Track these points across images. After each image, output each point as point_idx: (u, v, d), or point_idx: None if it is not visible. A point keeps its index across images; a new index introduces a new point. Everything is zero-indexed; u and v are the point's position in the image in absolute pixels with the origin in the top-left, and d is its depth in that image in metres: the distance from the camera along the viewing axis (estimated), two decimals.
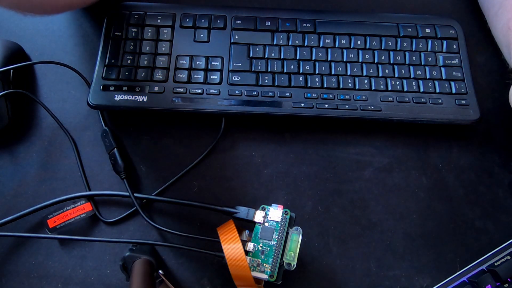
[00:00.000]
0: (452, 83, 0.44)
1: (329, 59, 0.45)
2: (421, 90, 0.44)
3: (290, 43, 0.45)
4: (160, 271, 0.37)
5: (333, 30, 0.46)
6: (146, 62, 0.43)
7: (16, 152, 0.42)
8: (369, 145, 0.44)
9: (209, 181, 0.42)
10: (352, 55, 0.45)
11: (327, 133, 0.44)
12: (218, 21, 0.46)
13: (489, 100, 0.47)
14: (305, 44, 0.45)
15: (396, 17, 0.48)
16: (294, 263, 0.33)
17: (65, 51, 0.47)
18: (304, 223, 0.40)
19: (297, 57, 0.45)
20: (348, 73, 0.44)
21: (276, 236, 0.34)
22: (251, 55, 0.45)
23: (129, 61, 0.43)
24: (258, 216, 0.35)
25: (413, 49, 0.46)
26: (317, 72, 0.44)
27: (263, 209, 0.35)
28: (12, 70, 0.43)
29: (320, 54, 0.45)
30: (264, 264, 0.33)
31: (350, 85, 0.44)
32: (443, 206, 0.42)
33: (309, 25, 0.46)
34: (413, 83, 0.44)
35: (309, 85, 0.43)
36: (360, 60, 0.45)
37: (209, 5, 0.47)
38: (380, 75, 0.44)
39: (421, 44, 0.46)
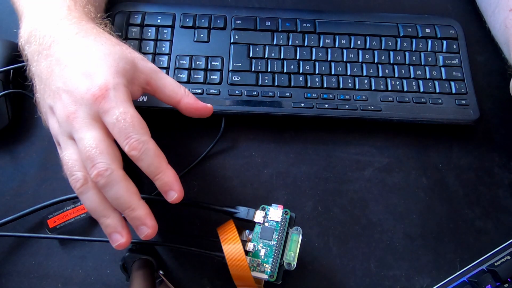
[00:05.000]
0: (452, 83, 0.45)
1: (329, 59, 0.45)
2: (421, 90, 0.44)
3: (290, 43, 0.45)
4: (160, 271, 0.37)
5: (333, 30, 0.46)
6: None
7: (16, 152, 0.42)
8: (369, 145, 0.44)
9: (209, 181, 0.42)
10: (352, 55, 0.45)
11: (327, 133, 0.44)
12: (218, 21, 0.46)
13: (489, 100, 0.47)
14: (305, 44, 0.45)
15: (396, 17, 0.48)
16: (294, 263, 0.33)
17: None
18: (304, 223, 0.40)
19: (297, 57, 0.45)
20: (348, 73, 0.44)
21: (276, 236, 0.34)
22: (251, 55, 0.45)
23: None
24: (258, 216, 0.35)
25: (413, 49, 0.46)
26: (317, 72, 0.44)
27: (263, 209, 0.35)
28: (12, 70, 0.43)
29: (320, 54, 0.45)
30: (264, 264, 0.33)
31: (350, 85, 0.44)
32: (443, 206, 0.42)
33: (309, 25, 0.46)
34: (413, 83, 0.44)
35: (309, 85, 0.43)
36: (360, 60, 0.45)
37: (209, 5, 0.48)
38: (380, 75, 0.44)
39: (421, 44, 0.46)
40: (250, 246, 0.34)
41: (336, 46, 0.46)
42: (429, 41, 0.46)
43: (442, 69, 0.45)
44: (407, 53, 0.46)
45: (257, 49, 0.45)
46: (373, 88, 0.44)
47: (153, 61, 0.44)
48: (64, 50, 0.33)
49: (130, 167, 0.32)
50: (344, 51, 0.45)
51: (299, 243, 0.34)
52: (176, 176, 0.32)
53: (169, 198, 0.32)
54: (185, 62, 0.44)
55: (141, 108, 0.41)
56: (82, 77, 0.31)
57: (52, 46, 0.33)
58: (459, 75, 0.45)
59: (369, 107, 0.43)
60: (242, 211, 0.36)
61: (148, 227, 0.31)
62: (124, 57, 0.33)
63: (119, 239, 0.31)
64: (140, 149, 0.31)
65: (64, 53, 0.33)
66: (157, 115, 0.44)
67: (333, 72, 0.44)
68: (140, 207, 0.31)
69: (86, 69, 0.32)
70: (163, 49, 0.44)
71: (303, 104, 0.43)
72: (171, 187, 0.32)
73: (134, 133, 0.30)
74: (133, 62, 0.34)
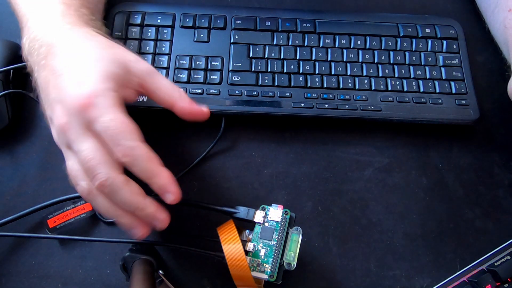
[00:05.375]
0: (452, 83, 0.45)
1: (329, 59, 0.45)
2: (421, 90, 0.44)
3: (290, 43, 0.45)
4: (160, 271, 0.36)
5: (333, 30, 0.46)
6: None
7: (16, 152, 0.42)
8: (369, 145, 0.44)
9: (209, 181, 0.42)
10: (352, 55, 0.45)
11: (327, 133, 0.44)
12: (218, 21, 0.46)
13: (489, 100, 0.47)
14: (305, 44, 0.45)
15: (396, 17, 0.48)
16: (294, 263, 0.33)
17: None
18: (304, 223, 0.40)
19: (297, 57, 0.45)
20: (348, 73, 0.44)
21: (276, 236, 0.34)
22: (251, 55, 0.45)
23: None
24: (258, 216, 0.35)
25: (413, 49, 0.46)
26: (317, 72, 0.44)
27: (263, 209, 0.35)
28: (12, 70, 0.43)
29: (320, 54, 0.45)
30: (264, 264, 0.33)
31: (350, 85, 0.44)
32: (443, 206, 0.42)
33: (309, 25, 0.46)
34: (413, 83, 0.44)
35: (309, 85, 0.43)
36: (360, 60, 0.45)
37: (209, 5, 0.47)
38: (380, 75, 0.44)
39: (421, 44, 0.46)
40: (250, 246, 0.34)
41: (336, 46, 0.46)
42: (429, 41, 0.46)
43: (442, 69, 0.45)
44: (407, 53, 0.46)
45: (257, 49, 0.45)
46: (373, 88, 0.44)
47: (153, 61, 0.44)
48: (58, 60, 0.33)
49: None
50: (344, 51, 0.45)
51: (299, 243, 0.34)
52: (171, 177, 0.32)
53: (166, 200, 0.32)
54: (185, 62, 0.44)
55: (141, 108, 0.42)
56: (72, 86, 0.31)
57: (47, 56, 0.33)
58: (459, 75, 0.45)
59: (369, 107, 0.43)
60: (242, 211, 0.35)
61: (160, 220, 0.32)
62: (115, 61, 0.33)
63: (138, 233, 0.32)
64: (131, 155, 0.30)
65: (57, 63, 0.33)
66: (157, 115, 0.44)
67: (333, 72, 0.44)
68: (148, 206, 0.31)
69: (77, 78, 0.32)
70: (163, 49, 0.44)
71: (303, 104, 0.43)
72: (167, 189, 0.32)
73: (124, 139, 0.30)
74: (125, 65, 0.34)
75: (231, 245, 0.33)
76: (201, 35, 0.45)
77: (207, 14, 0.46)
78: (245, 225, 0.36)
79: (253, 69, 0.44)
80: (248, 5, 0.50)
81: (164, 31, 0.45)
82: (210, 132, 0.43)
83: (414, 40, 0.46)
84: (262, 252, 0.33)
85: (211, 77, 0.43)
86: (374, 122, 0.44)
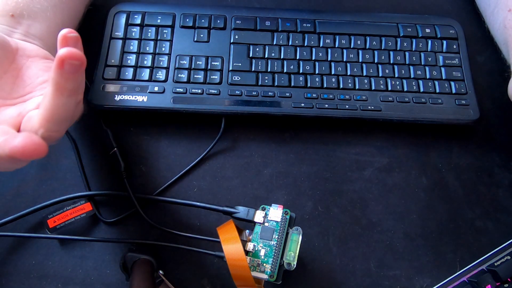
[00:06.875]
0: (452, 83, 0.45)
1: (329, 59, 0.45)
2: (421, 90, 0.44)
3: (290, 43, 0.45)
4: (160, 271, 0.37)
5: (333, 30, 0.46)
6: (146, 62, 0.43)
7: None
8: (369, 145, 0.44)
9: (209, 181, 0.42)
10: (352, 55, 0.45)
11: (327, 133, 0.44)
12: (218, 21, 0.46)
13: (489, 100, 0.47)
14: (305, 44, 0.45)
15: (396, 17, 0.48)
16: (294, 263, 0.33)
17: None
18: (304, 223, 0.40)
19: (297, 57, 0.45)
20: (348, 73, 0.44)
21: (276, 236, 0.34)
22: (251, 55, 0.45)
23: (129, 61, 0.43)
24: (258, 216, 0.35)
25: (413, 49, 0.46)
26: (317, 72, 0.44)
27: (263, 209, 0.35)
28: None
29: (320, 54, 0.45)
30: (264, 264, 0.33)
31: (350, 85, 0.44)
32: (443, 206, 0.42)
33: (309, 25, 0.46)
34: (413, 83, 0.44)
35: (309, 85, 0.43)
36: (360, 60, 0.45)
37: (209, 5, 0.48)
38: (380, 75, 0.44)
39: (421, 44, 0.46)
40: (250, 246, 0.34)
41: (336, 46, 0.46)
42: (429, 41, 0.46)
43: (442, 69, 0.45)
44: (407, 53, 0.46)
45: (257, 49, 0.45)
46: (373, 88, 0.44)
47: (153, 61, 0.44)
48: None
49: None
50: (344, 51, 0.45)
51: (299, 243, 0.34)
52: None
53: None
54: (185, 62, 0.44)
55: (141, 108, 0.42)
56: None
57: None
58: (459, 75, 0.45)
59: (369, 107, 0.43)
60: (242, 211, 0.35)
61: None
62: None
63: None
64: None
65: None
66: (157, 115, 0.44)
67: (333, 72, 0.44)
68: None
69: None
70: (163, 49, 0.44)
71: (303, 104, 0.43)
72: None
73: None
74: None
75: (231, 245, 0.33)
76: (201, 35, 0.45)
77: (207, 14, 0.46)
78: (245, 225, 0.36)
79: (253, 69, 0.44)
80: (248, 5, 0.50)
81: (164, 31, 0.45)
82: (210, 132, 0.43)
83: (414, 40, 0.46)
84: (262, 252, 0.33)
85: (211, 77, 0.43)
86: (374, 122, 0.44)
